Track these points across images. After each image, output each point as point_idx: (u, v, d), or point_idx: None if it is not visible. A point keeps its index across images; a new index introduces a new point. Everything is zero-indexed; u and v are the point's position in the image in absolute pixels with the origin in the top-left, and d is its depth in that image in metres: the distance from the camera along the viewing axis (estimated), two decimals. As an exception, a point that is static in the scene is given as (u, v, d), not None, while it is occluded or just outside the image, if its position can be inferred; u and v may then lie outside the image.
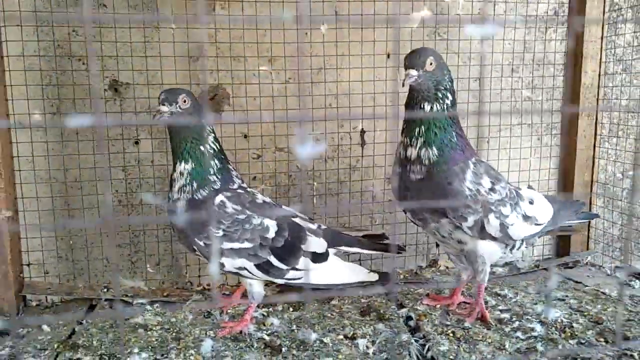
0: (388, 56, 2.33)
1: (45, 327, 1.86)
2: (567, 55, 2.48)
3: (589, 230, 2.57)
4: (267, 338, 1.80)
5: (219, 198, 1.74)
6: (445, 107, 1.71)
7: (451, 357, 1.65)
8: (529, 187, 2.06)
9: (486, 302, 2.02)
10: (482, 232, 1.77)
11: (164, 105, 1.66)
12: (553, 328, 1.82)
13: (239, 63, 2.23)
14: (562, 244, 2.58)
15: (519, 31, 2.44)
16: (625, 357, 1.60)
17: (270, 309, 2.02)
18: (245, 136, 2.30)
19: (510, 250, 1.93)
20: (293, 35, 2.20)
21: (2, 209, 1.89)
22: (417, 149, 1.73)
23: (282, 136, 2.30)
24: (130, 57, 2.13)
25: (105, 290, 2.12)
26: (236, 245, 1.72)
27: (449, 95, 1.72)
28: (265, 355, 1.69)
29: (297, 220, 1.87)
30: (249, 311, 1.86)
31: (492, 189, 1.77)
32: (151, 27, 2.14)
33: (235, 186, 1.80)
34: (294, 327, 1.88)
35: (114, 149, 2.19)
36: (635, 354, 1.61)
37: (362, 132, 2.34)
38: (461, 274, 2.02)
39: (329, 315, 1.98)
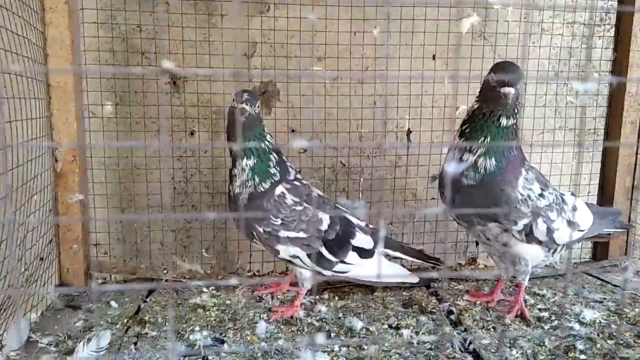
0: (433, 58, 2.41)
1: (113, 303, 2.02)
2: (612, 63, 2.52)
3: (627, 235, 2.61)
4: (316, 324, 1.92)
5: (279, 189, 1.87)
6: (516, 120, 1.77)
7: (492, 350, 1.74)
8: (572, 193, 2.12)
9: (525, 301, 2.09)
10: (528, 236, 1.85)
11: (247, 104, 1.78)
12: (591, 328, 1.90)
13: (290, 61, 2.33)
14: (600, 248, 2.63)
15: (565, 38, 2.48)
16: (663, 358, 1.67)
17: (318, 297, 2.14)
18: (293, 131, 2.42)
19: (552, 253, 2.00)
20: (344, 36, 2.30)
21: (76, 192, 2.05)
22: (476, 156, 1.78)
23: (328, 132, 2.41)
24: (195, 54, 2.26)
25: (165, 271, 2.27)
26: (292, 234, 1.85)
27: (519, 109, 1.79)
28: (315, 339, 1.81)
29: (348, 215, 1.99)
30: (298, 297, 1.99)
31: (541, 195, 1.84)
32: (207, 27, 2.27)
33: (292, 177, 1.93)
34: (341, 314, 1.99)
35: (171, 139, 2.34)
36: (673, 356, 1.67)
37: (409, 131, 2.44)
38: (502, 273, 2.10)
39: (373, 305, 2.09)
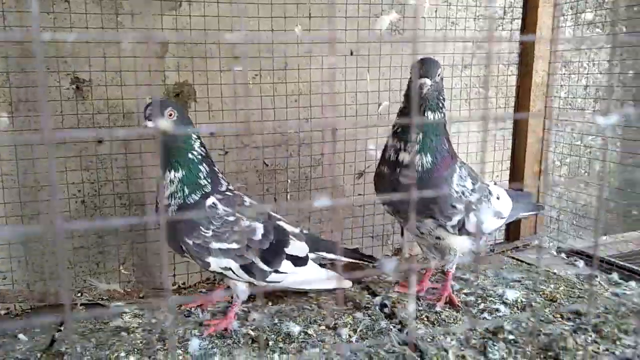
0: (351, 53, 2.41)
1: (21, 336, 1.81)
2: (519, 56, 2.67)
3: (536, 215, 2.79)
4: (252, 333, 1.84)
5: (211, 200, 1.77)
6: (442, 115, 1.81)
7: (429, 339, 1.78)
8: (495, 183, 2.22)
9: (452, 287, 2.16)
10: (461, 229, 1.91)
11: (149, 120, 1.65)
12: (515, 308, 2.00)
13: (204, 61, 2.22)
14: (513, 229, 2.80)
15: (471, 31, 2.59)
16: (580, 330, 1.79)
17: (250, 305, 2.07)
18: (212, 134, 2.31)
19: (478, 241, 2.09)
20: (260, 35, 2.23)
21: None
22: (411, 154, 1.79)
23: (248, 135, 2.33)
24: (103, 57, 2.08)
25: (79, 294, 2.08)
26: (224, 245, 1.75)
27: (444, 103, 1.82)
28: (253, 350, 1.74)
29: (281, 223, 1.93)
30: (232, 309, 1.90)
31: (473, 190, 1.91)
32: (114, 24, 2.10)
33: (224, 188, 1.84)
34: (277, 320, 1.94)
35: (77, 148, 2.14)
36: (589, 328, 1.81)
37: (334, 128, 2.42)
38: (430, 262, 2.15)
39: (308, 307, 2.05)
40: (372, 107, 2.47)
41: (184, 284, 2.28)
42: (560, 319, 1.88)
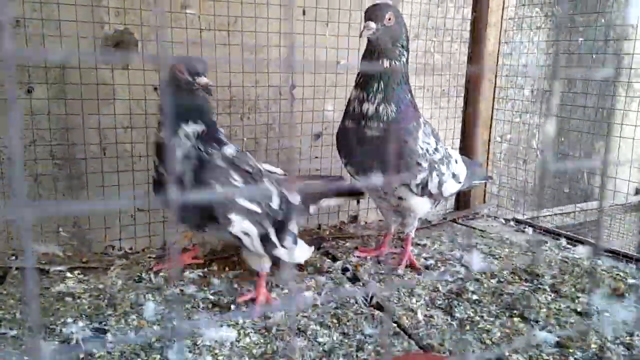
0: (303, 13, 2.30)
1: (-52, 302, 1.60)
2: (471, 24, 2.68)
3: (485, 184, 2.86)
4: (211, 297, 1.74)
5: (230, 149, 1.63)
6: (402, 63, 1.74)
7: (395, 301, 1.76)
8: (452, 147, 2.23)
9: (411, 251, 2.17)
10: (423, 189, 1.87)
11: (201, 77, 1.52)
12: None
13: (149, 5, 2.01)
14: (462, 199, 2.85)
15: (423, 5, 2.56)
16: (540, 290, 1.84)
17: (207, 269, 1.95)
18: (156, 89, 2.12)
19: (436, 205, 2.07)
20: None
21: None
22: (375, 104, 1.72)
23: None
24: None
25: (14, 257, 1.86)
26: (248, 205, 1.58)
27: (404, 52, 1.74)
28: (214, 314, 1.64)
29: (287, 194, 1.75)
30: (260, 282, 1.74)
31: (436, 149, 1.88)
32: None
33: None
34: (236, 285, 1.84)
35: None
36: (547, 287, 1.86)
37: (293, 86, 2.31)
38: (390, 226, 2.13)
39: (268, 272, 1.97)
40: (331, 66, 2.37)
41: (131, 249, 2.11)
42: (519, 280, 1.93)
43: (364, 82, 1.76)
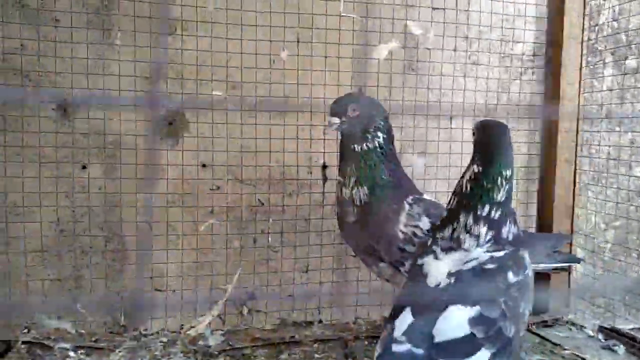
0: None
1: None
2: (545, 97, 2.37)
3: (569, 284, 2.38)
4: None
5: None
6: (376, 144, 1.66)
7: None
8: None
9: None
10: None
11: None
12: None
13: (201, 86, 2.09)
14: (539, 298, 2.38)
15: (495, 70, 2.33)
16: None
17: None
18: (204, 165, 2.14)
19: None
20: (255, 60, 2.09)
21: None
22: (350, 188, 1.65)
23: (245, 167, 2.15)
24: (86, 73, 1.99)
25: (26, 331, 1.89)
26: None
27: (379, 134, 1.66)
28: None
29: None
30: None
31: (429, 230, 1.64)
32: (106, 45, 2.02)
33: None
34: None
35: (58, 172, 2.02)
36: None
37: (324, 166, 2.19)
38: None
39: None
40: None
41: (145, 329, 2.04)
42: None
43: (341, 166, 1.71)
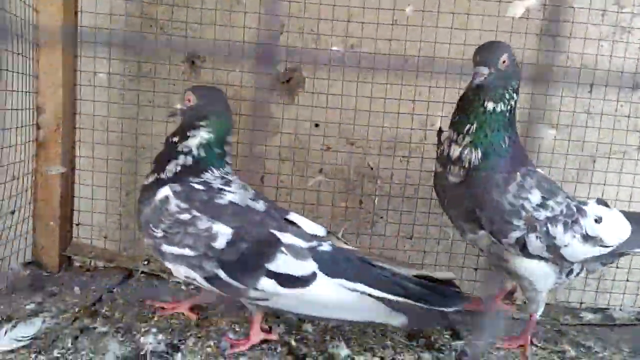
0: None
1: (76, 289, 1.83)
2: None
3: None
4: (293, 344, 1.61)
5: (164, 192, 1.50)
6: (509, 108, 1.51)
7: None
8: (599, 201, 1.70)
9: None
10: (524, 249, 1.55)
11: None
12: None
13: (320, 42, 2.07)
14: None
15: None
16: None
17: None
18: (317, 125, 2.14)
19: (567, 275, 1.67)
20: (377, 15, 2.00)
21: (58, 164, 1.88)
22: (461, 147, 1.53)
23: (358, 126, 2.11)
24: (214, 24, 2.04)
25: (146, 262, 2.05)
26: (175, 250, 1.45)
27: (514, 96, 1.52)
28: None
29: (275, 231, 1.49)
30: (253, 327, 1.60)
31: (541, 205, 1.53)
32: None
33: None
34: (328, 337, 1.67)
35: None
36: None
37: (440, 131, 2.08)
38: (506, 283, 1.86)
39: (371, 332, 1.73)
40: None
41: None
42: None
43: (458, 121, 1.55)
